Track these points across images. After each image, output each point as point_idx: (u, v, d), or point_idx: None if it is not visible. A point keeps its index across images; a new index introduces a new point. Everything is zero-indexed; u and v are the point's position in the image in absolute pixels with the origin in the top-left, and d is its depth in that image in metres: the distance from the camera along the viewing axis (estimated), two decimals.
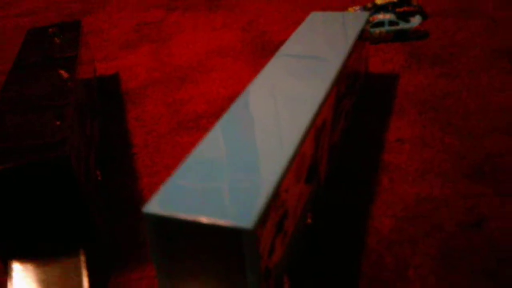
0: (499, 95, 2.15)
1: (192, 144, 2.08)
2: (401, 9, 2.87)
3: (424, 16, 2.99)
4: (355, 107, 2.12)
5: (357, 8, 3.05)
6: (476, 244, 1.46)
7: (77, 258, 1.46)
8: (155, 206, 1.12)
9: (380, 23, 2.75)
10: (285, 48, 1.90)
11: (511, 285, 1.33)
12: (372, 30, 2.73)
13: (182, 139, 2.12)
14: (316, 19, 2.17)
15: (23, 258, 1.46)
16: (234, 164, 1.24)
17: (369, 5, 3.01)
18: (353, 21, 2.11)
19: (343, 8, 3.39)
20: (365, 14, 2.17)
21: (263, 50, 2.87)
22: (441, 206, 1.61)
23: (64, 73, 1.85)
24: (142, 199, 1.80)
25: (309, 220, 1.53)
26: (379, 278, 1.40)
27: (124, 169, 1.98)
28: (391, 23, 2.75)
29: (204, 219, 1.06)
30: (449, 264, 1.41)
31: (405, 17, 2.81)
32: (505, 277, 1.36)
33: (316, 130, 1.48)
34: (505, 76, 2.29)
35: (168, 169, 1.94)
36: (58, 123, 1.52)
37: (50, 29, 2.32)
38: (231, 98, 2.38)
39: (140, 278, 1.49)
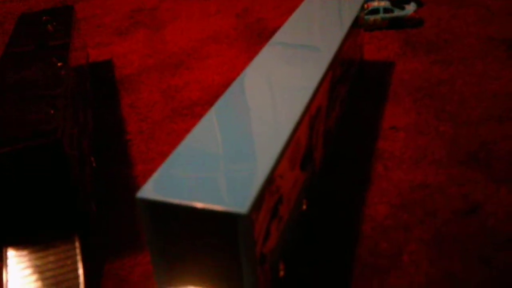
0: (494, 82, 2.15)
1: (187, 130, 2.07)
2: None
3: (419, 4, 2.98)
4: (350, 94, 2.12)
5: None
6: (471, 230, 1.47)
7: (72, 245, 1.46)
8: (148, 191, 1.11)
9: (375, 10, 2.74)
10: (279, 35, 1.89)
11: (505, 271, 1.34)
12: (367, 17, 2.72)
13: (177, 125, 2.11)
14: (310, 5, 2.16)
15: (18, 245, 1.45)
16: (228, 150, 1.24)
17: None
18: (348, 8, 2.10)
19: None
20: (360, 1, 2.16)
21: (258, 37, 2.86)
22: (436, 193, 1.61)
23: (56, 61, 1.84)
24: (137, 186, 1.79)
25: (304, 207, 1.53)
26: (373, 264, 1.40)
27: (118, 156, 1.97)
28: (386, 10, 2.74)
29: (198, 204, 1.06)
30: (443, 250, 1.42)
31: (400, 4, 2.80)
32: (500, 263, 1.36)
33: (311, 117, 1.47)
34: (500, 64, 2.29)
35: (162, 156, 1.94)
36: (50, 111, 1.51)
37: (43, 17, 2.30)
38: (225, 85, 2.37)
39: (135, 264, 1.49)
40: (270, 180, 1.15)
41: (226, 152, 1.23)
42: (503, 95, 2.06)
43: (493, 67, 2.27)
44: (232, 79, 2.42)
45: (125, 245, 1.56)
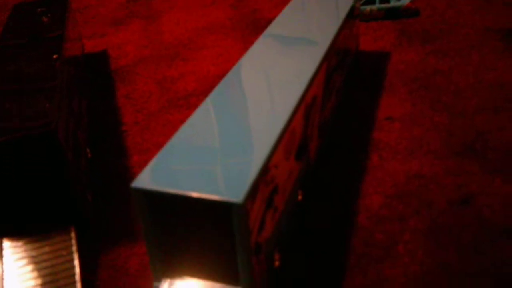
0: (490, 73, 2.15)
1: (183, 121, 2.07)
2: None
3: None
4: (346, 85, 2.12)
5: None
6: (466, 221, 1.47)
7: (68, 236, 1.46)
8: (143, 181, 1.11)
9: (371, 1, 2.73)
10: (274, 25, 1.88)
11: (499, 260, 1.35)
12: (362, 7, 2.71)
13: (172, 116, 2.11)
14: None
15: (13, 236, 1.45)
16: (223, 140, 1.24)
17: None
18: None
19: None
20: None
21: (253, 27, 2.85)
22: (431, 184, 1.61)
23: (50, 52, 1.83)
24: (132, 177, 1.79)
25: (299, 197, 1.54)
26: (368, 254, 1.41)
27: (114, 147, 1.97)
28: (382, 0, 2.73)
29: (193, 194, 1.06)
30: (438, 240, 1.42)
31: None
32: (493, 252, 1.37)
33: (306, 107, 1.47)
34: (497, 55, 2.29)
35: (158, 146, 1.93)
36: (46, 104, 1.50)
37: (38, 9, 2.28)
38: (221, 76, 2.37)
39: (131, 255, 1.49)
40: (265, 170, 1.15)
41: (221, 142, 1.23)
42: (499, 86, 2.06)
43: (489, 58, 2.27)
44: (228, 70, 2.41)
45: (121, 235, 1.56)
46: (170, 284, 1.20)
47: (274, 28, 1.86)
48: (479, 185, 1.59)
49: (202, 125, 1.30)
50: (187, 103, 2.19)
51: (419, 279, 1.32)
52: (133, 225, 1.59)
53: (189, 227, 1.15)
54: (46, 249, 1.43)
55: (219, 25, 2.92)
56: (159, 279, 1.23)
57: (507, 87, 2.05)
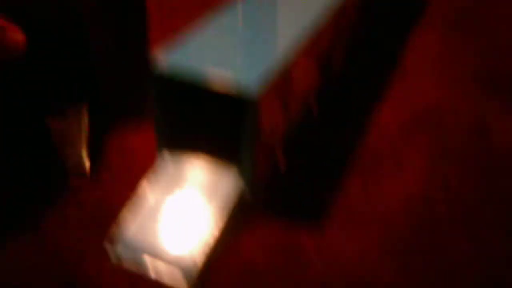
0: None
1: None
2: None
3: None
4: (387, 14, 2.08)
5: None
6: (477, 150, 1.49)
7: (80, 115, 1.50)
8: (163, 60, 1.14)
9: None
10: None
11: (501, 194, 1.37)
12: None
13: None
14: None
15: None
16: (249, 32, 1.25)
17: None
18: None
19: None
20: None
21: None
22: (450, 111, 1.62)
23: None
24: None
25: (315, 110, 1.56)
26: (374, 167, 1.44)
27: None
28: None
29: (210, 78, 1.08)
30: (444, 160, 1.45)
31: None
32: (498, 186, 1.39)
33: (338, 17, 1.46)
34: None
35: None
36: None
37: None
38: None
39: (137, 133, 1.55)
40: (285, 69, 1.17)
41: (246, 35, 1.24)
42: None
43: None
44: None
45: (131, 119, 1.61)
46: (173, 156, 1.25)
47: None
48: (497, 120, 1.59)
49: (233, 16, 1.31)
50: None
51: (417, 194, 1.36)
52: (145, 110, 1.62)
53: (201, 116, 1.18)
54: (61, 125, 1.48)
55: None
56: (162, 154, 1.27)
57: None
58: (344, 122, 1.60)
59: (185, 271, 1.07)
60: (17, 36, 1.24)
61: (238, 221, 1.22)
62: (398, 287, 1.14)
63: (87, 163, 1.43)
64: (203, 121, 1.21)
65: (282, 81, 1.19)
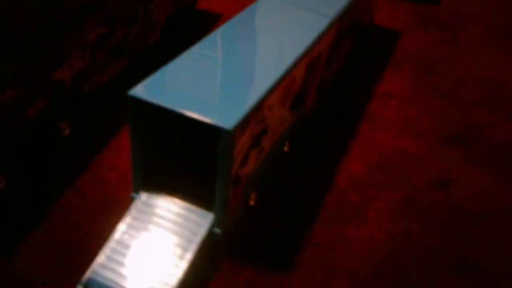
0: (494, 70, 2.17)
1: None
2: None
3: None
4: (353, 54, 2.13)
5: None
6: (437, 201, 1.52)
7: None
8: (140, 91, 1.13)
9: None
10: None
11: (459, 240, 1.40)
12: None
13: None
14: None
15: None
16: (226, 70, 1.26)
17: None
18: None
19: None
20: None
21: None
22: (414, 162, 1.65)
23: None
24: None
25: (286, 148, 1.57)
26: (340, 213, 1.45)
27: None
28: None
29: (186, 112, 1.08)
30: (408, 212, 1.47)
31: None
32: (454, 232, 1.42)
33: (310, 59, 1.49)
34: (504, 56, 2.30)
35: None
36: None
37: None
38: None
39: (113, 167, 1.52)
40: (258, 107, 1.18)
41: (223, 71, 1.25)
42: (501, 84, 2.08)
43: (496, 55, 2.28)
44: None
45: (106, 147, 1.59)
46: (147, 197, 1.24)
47: None
48: (458, 173, 1.63)
49: (208, 53, 1.32)
50: None
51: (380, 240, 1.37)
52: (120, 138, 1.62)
53: (176, 145, 1.18)
54: None
55: None
56: (137, 191, 1.26)
57: (509, 86, 2.07)
58: (314, 160, 1.62)
59: None
60: None
61: (208, 256, 1.22)
62: None
63: None
64: (178, 153, 1.20)
65: (257, 116, 1.19)
